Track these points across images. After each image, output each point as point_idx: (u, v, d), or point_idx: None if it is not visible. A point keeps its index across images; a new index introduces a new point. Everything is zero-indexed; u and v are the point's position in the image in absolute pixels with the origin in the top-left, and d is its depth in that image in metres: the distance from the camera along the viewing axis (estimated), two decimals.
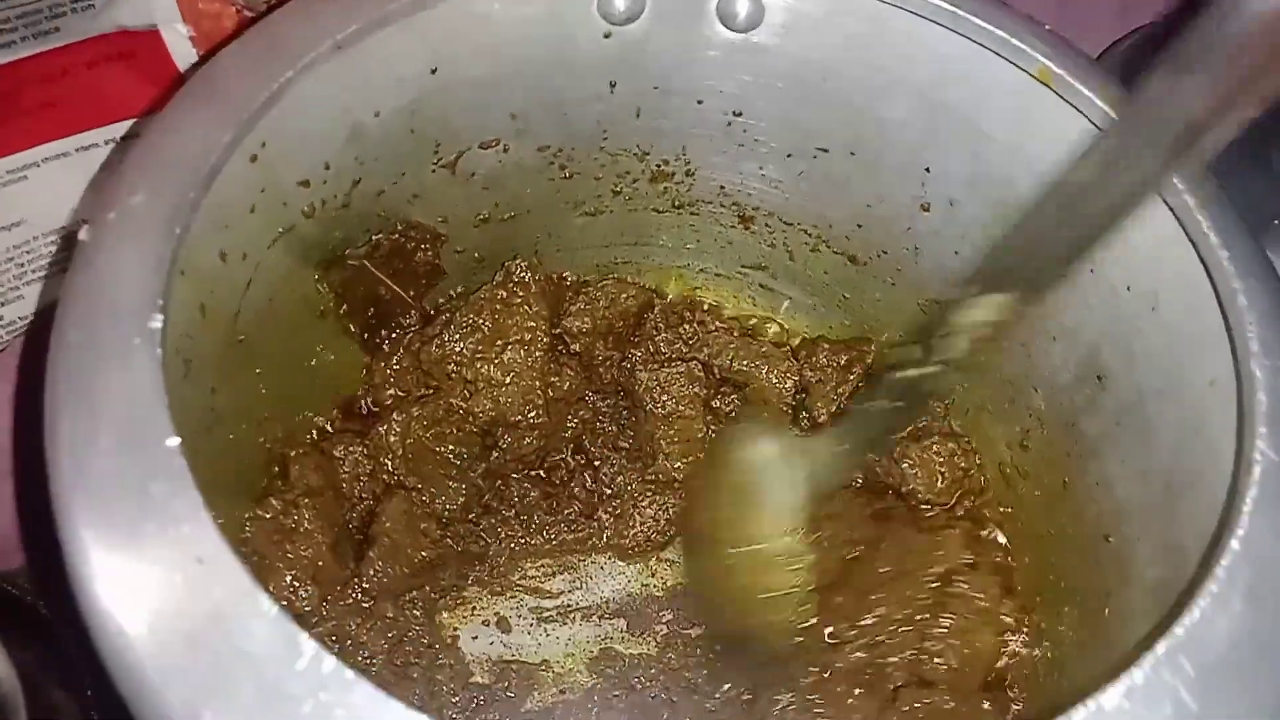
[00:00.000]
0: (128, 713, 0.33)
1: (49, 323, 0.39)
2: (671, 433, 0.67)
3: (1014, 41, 0.50)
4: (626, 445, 0.68)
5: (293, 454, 0.60)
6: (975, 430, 0.66)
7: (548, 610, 0.64)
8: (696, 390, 0.67)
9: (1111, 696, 0.33)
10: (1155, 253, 0.48)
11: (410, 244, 0.62)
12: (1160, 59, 0.36)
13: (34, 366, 0.38)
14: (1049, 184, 0.44)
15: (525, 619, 0.64)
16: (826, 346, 0.69)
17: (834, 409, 0.68)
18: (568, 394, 0.68)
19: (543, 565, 0.65)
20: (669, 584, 0.66)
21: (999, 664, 0.59)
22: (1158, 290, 0.49)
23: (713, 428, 0.68)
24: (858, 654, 0.58)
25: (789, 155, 0.63)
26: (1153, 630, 0.35)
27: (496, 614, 0.64)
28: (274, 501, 0.57)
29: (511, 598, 0.64)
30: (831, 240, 0.67)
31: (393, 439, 0.64)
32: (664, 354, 0.69)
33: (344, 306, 0.61)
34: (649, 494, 0.66)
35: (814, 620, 0.59)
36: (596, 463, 0.67)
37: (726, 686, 0.59)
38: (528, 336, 0.65)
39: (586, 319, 0.69)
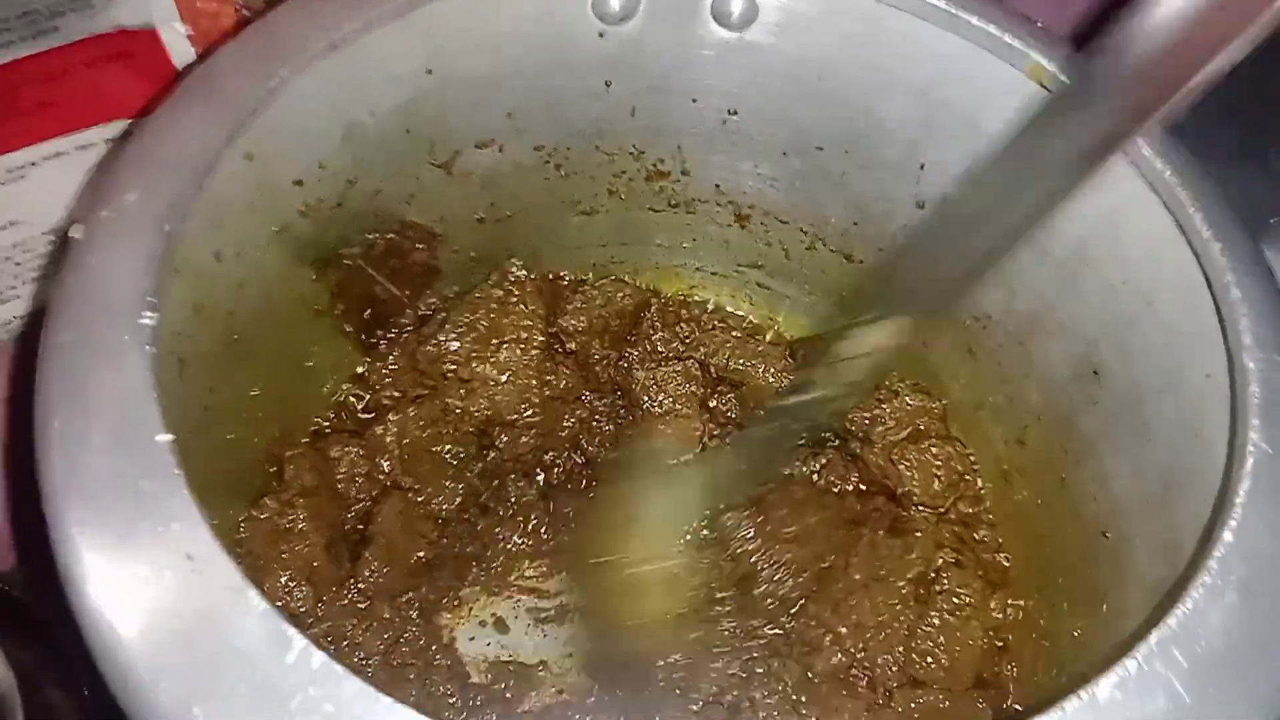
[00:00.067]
0: (123, 712, 0.33)
1: (39, 323, 0.39)
2: (668, 432, 0.67)
3: (1008, 39, 0.51)
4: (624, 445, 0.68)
5: (288, 454, 0.60)
6: (973, 428, 0.66)
7: (545, 610, 0.64)
8: (693, 389, 0.67)
9: (1104, 687, 0.33)
10: (1150, 248, 0.48)
11: (406, 243, 0.62)
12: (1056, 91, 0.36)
13: (27, 366, 0.38)
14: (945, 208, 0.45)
15: (522, 619, 0.63)
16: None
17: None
18: (564, 393, 0.68)
19: (540, 565, 0.65)
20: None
21: (994, 662, 0.59)
22: (1153, 286, 0.49)
23: (710, 428, 0.68)
24: (838, 658, 0.58)
25: (784, 153, 0.63)
26: (1146, 622, 0.35)
27: (493, 614, 0.63)
28: (269, 502, 0.57)
29: (508, 598, 0.64)
30: (827, 238, 0.67)
31: (389, 439, 0.64)
32: (661, 353, 0.69)
33: (340, 306, 0.61)
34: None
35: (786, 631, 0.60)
36: (593, 462, 0.67)
37: (715, 688, 0.58)
38: (524, 336, 0.65)
39: (583, 318, 0.69)
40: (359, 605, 0.59)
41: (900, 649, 0.58)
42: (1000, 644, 0.60)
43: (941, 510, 0.65)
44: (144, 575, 0.33)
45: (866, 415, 0.66)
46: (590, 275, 0.72)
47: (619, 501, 0.60)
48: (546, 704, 0.61)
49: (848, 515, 0.64)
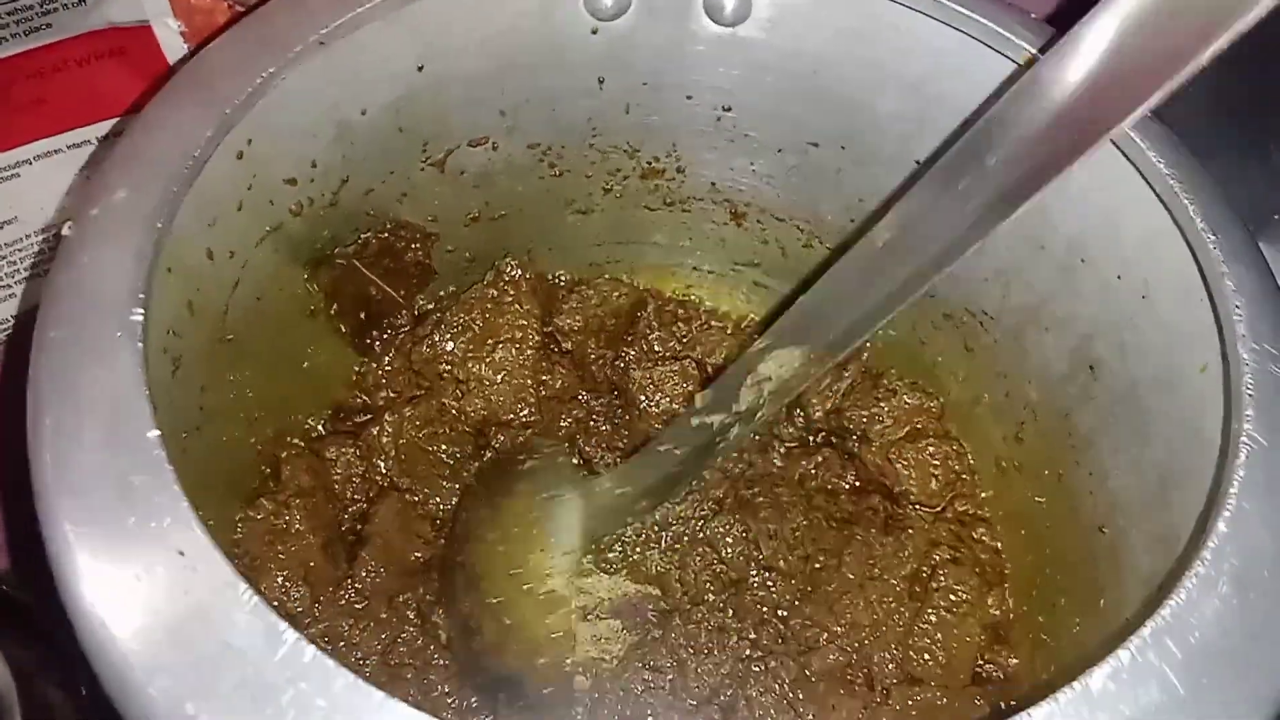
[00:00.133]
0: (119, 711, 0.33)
1: (33, 321, 0.39)
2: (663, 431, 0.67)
3: (1003, 33, 0.50)
4: (621, 444, 0.68)
5: (284, 454, 0.60)
6: (970, 425, 0.66)
7: None
8: (690, 388, 0.67)
9: (1097, 678, 0.33)
10: (1145, 241, 0.48)
11: (400, 243, 0.62)
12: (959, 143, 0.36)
13: (19, 364, 0.38)
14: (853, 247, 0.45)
15: None
16: None
17: (828, 406, 0.68)
18: (561, 393, 0.68)
19: None
20: (664, 584, 0.65)
21: (992, 659, 0.59)
22: (1148, 279, 0.49)
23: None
24: (834, 657, 0.58)
25: (780, 150, 0.63)
26: (1140, 613, 0.35)
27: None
28: (265, 502, 0.57)
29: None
30: (824, 236, 0.67)
31: (385, 439, 0.63)
32: (657, 352, 0.69)
33: (334, 306, 0.61)
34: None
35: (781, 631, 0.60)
36: (591, 462, 0.67)
37: (710, 688, 0.58)
38: (519, 335, 0.65)
39: (579, 317, 0.69)
40: (356, 606, 0.58)
41: (897, 647, 0.58)
42: (998, 641, 0.60)
43: (939, 509, 0.64)
44: (136, 572, 0.33)
45: (864, 414, 0.66)
46: (586, 274, 0.72)
47: (507, 521, 0.60)
48: (544, 704, 0.60)
49: (841, 514, 0.63)
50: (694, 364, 0.68)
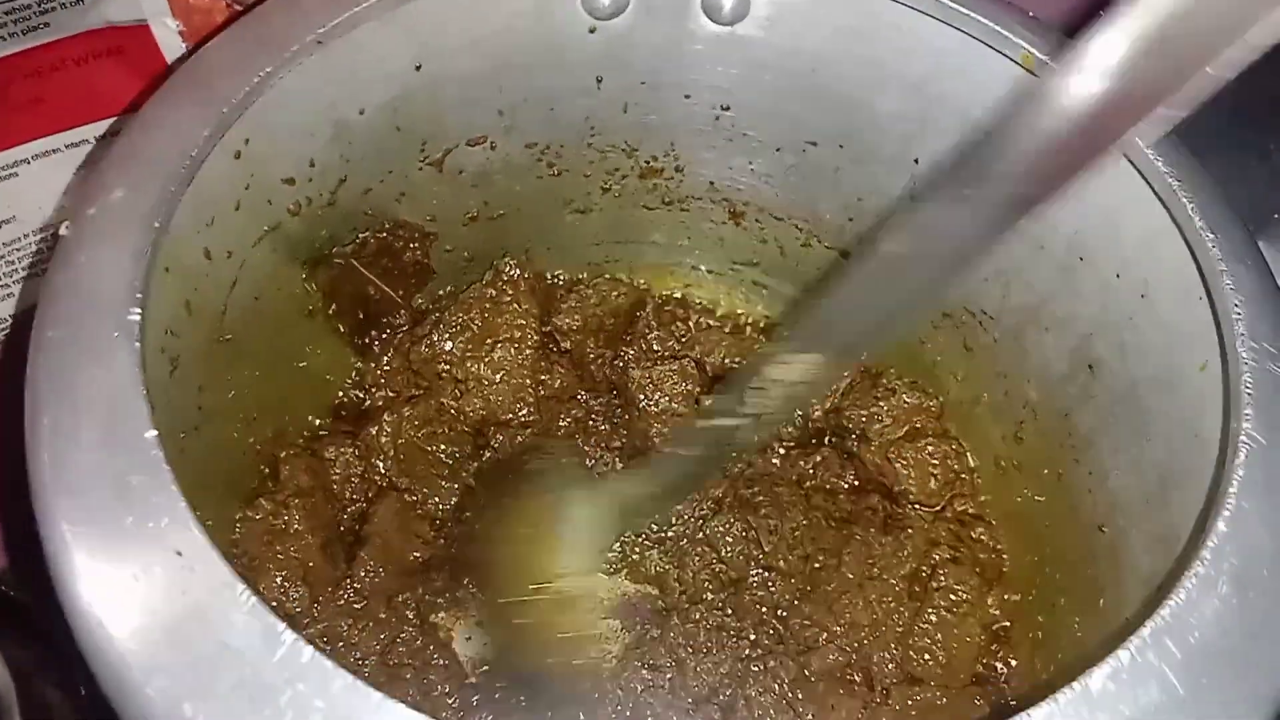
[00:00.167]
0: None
1: (31, 320, 0.39)
2: (665, 431, 0.66)
3: (1002, 31, 0.50)
4: (620, 444, 0.68)
5: (283, 454, 0.60)
6: (970, 424, 0.66)
7: None
8: (689, 388, 0.67)
9: (1097, 679, 0.33)
10: (1144, 240, 0.48)
11: (398, 243, 0.62)
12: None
13: (17, 363, 0.38)
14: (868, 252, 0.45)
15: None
16: None
17: (828, 406, 0.68)
18: (559, 392, 0.68)
19: None
20: (663, 584, 0.65)
21: (992, 659, 0.59)
22: (1147, 278, 0.49)
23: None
24: (833, 657, 0.58)
25: (778, 149, 0.63)
26: (1139, 613, 0.35)
27: (490, 614, 0.63)
28: (264, 502, 0.57)
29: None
30: (823, 235, 0.67)
31: (384, 439, 0.63)
32: (656, 352, 0.69)
33: (332, 306, 0.61)
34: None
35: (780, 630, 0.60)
36: (590, 461, 0.67)
37: (709, 687, 0.58)
38: (517, 335, 0.65)
39: (577, 317, 0.69)
40: (355, 606, 0.58)
41: (897, 646, 0.58)
42: (997, 641, 0.60)
43: (938, 508, 0.64)
44: (133, 572, 0.33)
45: (863, 413, 0.66)
46: (584, 274, 0.72)
47: (536, 521, 0.60)
48: (543, 704, 0.60)
49: (840, 513, 0.63)
50: (693, 363, 0.68)
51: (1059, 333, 0.56)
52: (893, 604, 0.59)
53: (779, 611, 0.60)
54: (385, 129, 0.56)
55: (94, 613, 0.33)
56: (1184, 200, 0.45)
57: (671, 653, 0.59)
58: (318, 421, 0.65)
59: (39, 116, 0.60)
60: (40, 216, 0.61)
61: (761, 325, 0.74)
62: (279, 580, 0.56)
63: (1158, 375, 0.49)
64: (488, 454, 0.66)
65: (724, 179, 0.66)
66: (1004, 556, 0.63)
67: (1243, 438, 0.39)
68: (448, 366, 0.64)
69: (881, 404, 0.66)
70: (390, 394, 0.66)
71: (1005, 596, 0.61)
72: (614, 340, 0.69)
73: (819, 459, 0.65)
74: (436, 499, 0.64)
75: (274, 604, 0.55)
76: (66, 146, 0.61)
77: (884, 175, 0.60)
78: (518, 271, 0.65)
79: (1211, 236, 0.44)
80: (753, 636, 0.59)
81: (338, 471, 0.62)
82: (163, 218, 0.41)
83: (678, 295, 0.74)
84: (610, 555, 0.63)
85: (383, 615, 0.59)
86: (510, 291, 0.65)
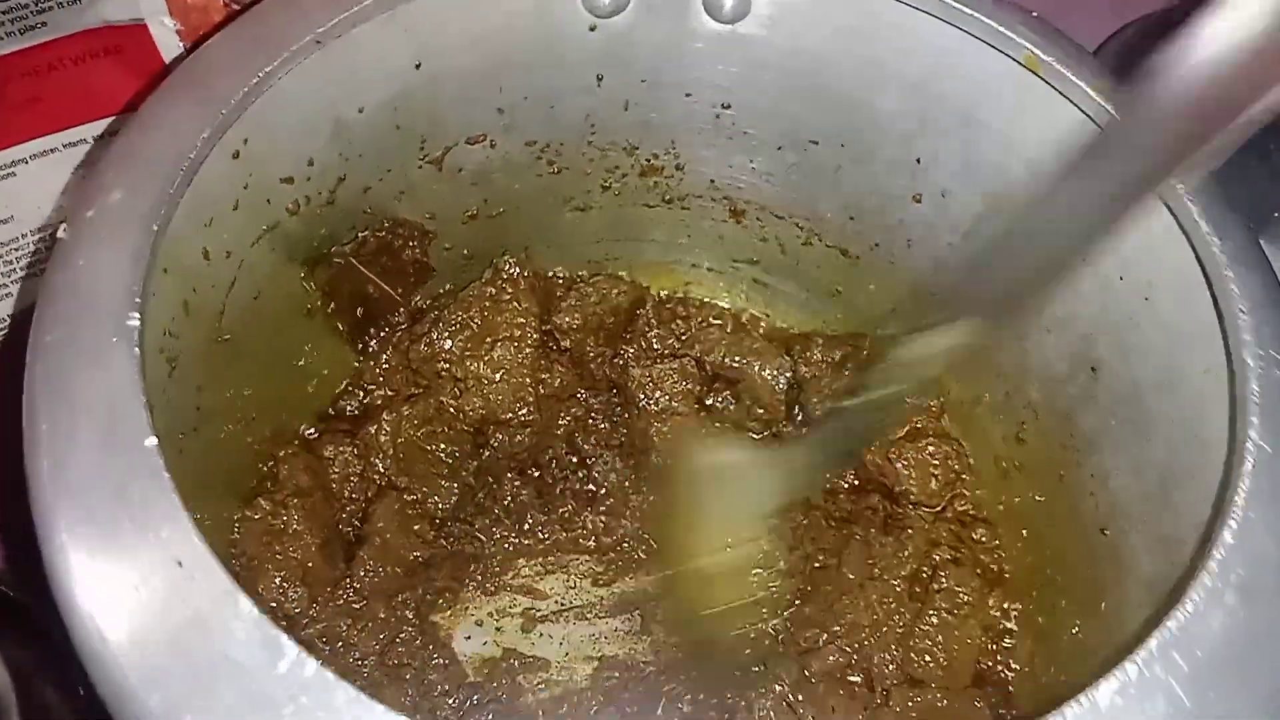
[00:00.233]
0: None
1: (29, 320, 0.39)
2: (665, 429, 0.66)
3: (1003, 30, 0.50)
4: (619, 442, 0.67)
5: (282, 454, 0.60)
6: (971, 425, 0.66)
7: (541, 610, 0.64)
8: (689, 386, 0.67)
9: (1104, 693, 0.33)
10: (1148, 242, 0.48)
11: (398, 241, 0.62)
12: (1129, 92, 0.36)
13: (15, 364, 0.38)
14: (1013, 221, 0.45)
15: (519, 619, 0.63)
16: (820, 341, 0.68)
17: (828, 405, 0.67)
18: (559, 391, 0.68)
19: (536, 565, 0.65)
20: (662, 583, 0.65)
21: (993, 660, 0.59)
22: (1151, 280, 0.49)
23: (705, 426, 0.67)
24: (834, 658, 0.58)
25: (779, 147, 0.62)
26: (1146, 624, 0.35)
27: (490, 614, 0.63)
28: (263, 502, 0.57)
29: (505, 598, 0.64)
30: (824, 233, 0.67)
31: (383, 438, 0.63)
32: (656, 350, 0.69)
33: (331, 305, 0.61)
34: (642, 491, 0.66)
35: (781, 631, 0.60)
36: (589, 460, 0.67)
37: (706, 690, 0.58)
38: (517, 333, 0.65)
39: (577, 315, 0.69)
40: (354, 605, 0.58)
41: (897, 648, 0.58)
42: (998, 643, 0.60)
43: (939, 509, 0.64)
44: (133, 581, 0.33)
45: None
46: (584, 272, 0.72)
47: (705, 490, 0.60)
48: (544, 703, 0.60)
49: (841, 513, 0.63)
50: (693, 361, 0.68)
51: (1060, 333, 0.56)
52: (893, 605, 0.59)
53: (783, 610, 0.60)
54: (385, 127, 0.56)
55: (94, 622, 0.33)
56: (1187, 201, 0.45)
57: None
58: (317, 421, 0.64)
59: (36, 116, 0.60)
60: (38, 216, 0.61)
61: (761, 322, 0.74)
62: (278, 580, 0.56)
63: (1160, 377, 0.49)
64: (487, 453, 0.65)
65: (724, 177, 0.66)
66: (1005, 558, 0.63)
67: (1249, 445, 0.38)
68: (447, 365, 0.64)
69: None
70: (389, 393, 0.66)
71: (1006, 598, 0.61)
72: (614, 339, 0.69)
73: None
74: (436, 498, 0.64)
75: (273, 604, 0.55)
76: (64, 146, 0.61)
77: (885, 175, 0.60)
78: (517, 270, 0.65)
79: (1216, 239, 0.44)
80: (753, 636, 0.59)
81: (337, 471, 0.62)
82: (161, 219, 0.41)
83: (678, 293, 0.74)
84: (610, 554, 0.63)
85: (382, 615, 0.59)
86: (510, 290, 0.65)
